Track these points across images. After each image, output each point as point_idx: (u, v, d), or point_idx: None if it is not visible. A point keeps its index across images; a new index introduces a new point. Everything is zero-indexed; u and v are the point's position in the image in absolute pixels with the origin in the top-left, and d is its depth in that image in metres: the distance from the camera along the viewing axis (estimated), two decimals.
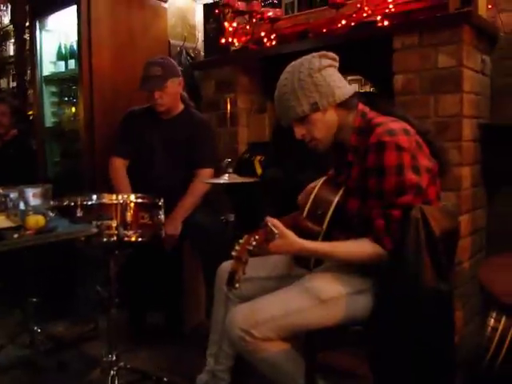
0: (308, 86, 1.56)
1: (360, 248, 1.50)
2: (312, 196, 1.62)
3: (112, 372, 1.96)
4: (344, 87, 1.60)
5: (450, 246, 1.51)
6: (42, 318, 2.48)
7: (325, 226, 1.55)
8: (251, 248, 1.37)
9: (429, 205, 1.49)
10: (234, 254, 1.39)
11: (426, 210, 1.43)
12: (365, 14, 2.42)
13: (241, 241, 1.41)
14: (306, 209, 1.60)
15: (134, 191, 2.50)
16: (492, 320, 1.55)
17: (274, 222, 1.44)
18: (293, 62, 1.64)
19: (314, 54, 1.62)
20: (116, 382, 1.95)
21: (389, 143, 1.45)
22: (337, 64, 1.64)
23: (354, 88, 1.63)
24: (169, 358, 2.39)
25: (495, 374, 1.49)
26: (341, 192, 1.60)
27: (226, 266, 1.83)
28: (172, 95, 2.61)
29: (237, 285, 1.36)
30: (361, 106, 1.62)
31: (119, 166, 2.68)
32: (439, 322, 1.45)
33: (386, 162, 1.45)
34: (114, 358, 1.98)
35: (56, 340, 2.48)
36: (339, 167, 1.71)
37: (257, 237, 1.39)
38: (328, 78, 1.57)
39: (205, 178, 2.51)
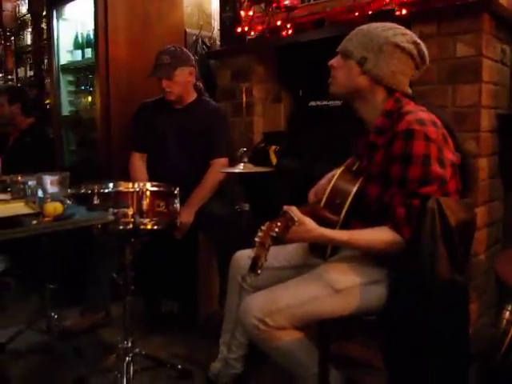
0: (375, 44, 1.54)
1: (378, 236, 1.49)
2: (330, 185, 1.61)
3: (127, 358, 1.98)
4: (397, 79, 1.56)
5: (465, 238, 1.50)
6: (58, 304, 2.52)
7: (342, 216, 1.54)
8: (274, 234, 1.37)
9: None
10: (257, 239, 1.38)
11: (442, 200, 1.42)
12: (382, 3, 2.39)
13: (263, 227, 1.41)
14: (324, 198, 1.60)
15: (150, 181, 2.53)
16: (507, 313, 1.54)
17: (292, 210, 1.45)
18: (397, 25, 1.60)
19: (415, 37, 1.57)
20: (131, 368, 1.97)
21: (418, 132, 1.43)
22: (419, 62, 1.58)
23: (406, 91, 1.59)
24: (183, 345, 2.41)
25: (510, 367, 1.48)
26: (359, 182, 1.59)
27: (240, 255, 1.85)
28: (181, 84, 2.61)
29: (259, 271, 1.35)
30: (398, 94, 1.59)
31: (135, 160, 2.72)
32: (454, 313, 1.44)
33: (413, 150, 1.43)
34: (130, 344, 2.01)
35: (69, 328, 2.51)
36: (362, 151, 1.70)
37: (279, 223, 1.39)
38: (393, 59, 1.54)
39: (220, 168, 2.52)
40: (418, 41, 1.58)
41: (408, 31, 1.59)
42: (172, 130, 2.65)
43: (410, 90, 1.61)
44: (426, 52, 1.59)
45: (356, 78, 1.58)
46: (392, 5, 2.35)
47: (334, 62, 1.64)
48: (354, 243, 1.51)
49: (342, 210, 1.55)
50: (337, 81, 1.63)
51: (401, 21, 2.28)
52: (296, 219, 1.42)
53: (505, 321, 1.53)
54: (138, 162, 2.71)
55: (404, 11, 2.30)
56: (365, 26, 1.61)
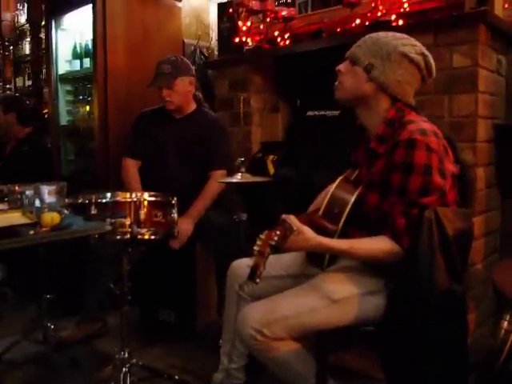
0: (383, 52, 1.55)
1: (377, 245, 1.49)
2: (329, 194, 1.61)
3: (124, 369, 1.98)
4: (402, 89, 1.57)
5: (463, 247, 1.50)
6: (55, 314, 2.51)
7: (340, 225, 1.54)
8: (273, 243, 1.37)
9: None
10: (256, 248, 1.38)
11: (439, 210, 1.42)
12: (379, 14, 2.40)
13: (262, 236, 1.41)
14: (323, 207, 1.60)
15: (147, 190, 2.53)
16: (506, 323, 1.54)
17: (291, 218, 1.45)
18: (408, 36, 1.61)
19: (424, 49, 1.58)
20: (128, 378, 1.96)
21: (420, 142, 1.44)
22: (425, 73, 1.59)
23: (409, 101, 1.59)
24: (180, 355, 2.40)
25: (508, 377, 1.48)
26: (358, 191, 1.59)
27: (238, 264, 1.85)
28: (181, 93, 2.61)
29: (258, 280, 1.35)
30: (400, 103, 1.59)
31: (130, 166, 2.72)
32: (452, 323, 1.44)
33: (415, 160, 1.44)
34: (127, 355, 2.00)
35: (65, 339, 2.50)
36: (360, 158, 1.70)
37: (278, 232, 1.39)
38: (400, 68, 1.55)
39: (219, 180, 2.52)
40: (427, 53, 1.58)
41: (417, 43, 1.59)
42: (171, 139, 2.65)
43: (413, 101, 1.62)
44: (434, 64, 1.60)
45: (362, 85, 1.59)
46: (389, 16, 2.37)
47: (341, 67, 1.65)
48: (354, 252, 1.51)
49: (341, 219, 1.55)
50: (343, 86, 1.63)
51: (397, 31, 2.31)
52: (295, 228, 1.42)
53: (503, 330, 1.53)
54: (133, 169, 2.72)
55: (401, 22, 2.32)
56: (374, 34, 1.62)
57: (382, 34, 1.61)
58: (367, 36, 1.63)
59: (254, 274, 1.35)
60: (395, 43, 1.56)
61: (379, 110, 1.60)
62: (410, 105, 1.60)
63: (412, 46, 1.57)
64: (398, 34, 1.61)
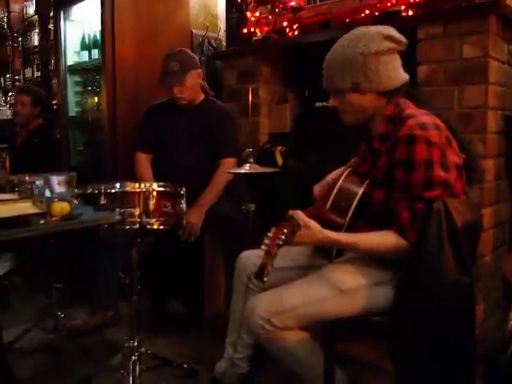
0: (357, 65, 1.52)
1: (383, 240, 1.49)
2: (336, 187, 1.61)
3: (133, 357, 1.99)
4: (394, 77, 1.55)
5: (472, 239, 1.50)
6: (65, 303, 2.53)
7: (348, 218, 1.54)
8: (281, 243, 1.38)
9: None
10: (264, 248, 1.39)
11: (448, 202, 1.42)
12: (389, 4, 2.39)
13: (269, 234, 1.41)
14: (330, 200, 1.60)
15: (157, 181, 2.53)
16: None
17: (298, 214, 1.45)
18: (356, 30, 1.57)
19: (382, 30, 1.54)
20: (137, 367, 1.98)
21: (420, 137, 1.43)
22: (401, 47, 1.57)
23: (404, 78, 1.58)
24: (189, 345, 2.42)
25: None
26: (365, 184, 1.59)
27: (246, 255, 1.86)
28: (192, 88, 2.62)
29: (265, 278, 1.37)
30: (396, 98, 1.58)
31: (143, 160, 2.73)
32: (460, 315, 1.44)
33: (415, 155, 1.43)
34: (136, 343, 2.02)
35: (78, 326, 2.53)
36: (364, 155, 1.70)
37: (285, 230, 1.39)
38: (381, 65, 1.52)
39: (228, 168, 2.52)
40: (388, 33, 1.54)
41: (372, 30, 1.55)
42: (180, 130, 2.65)
43: (406, 76, 1.59)
44: (399, 34, 1.56)
45: (363, 102, 1.57)
46: (398, 6, 2.35)
47: (333, 103, 1.62)
48: (360, 246, 1.51)
49: (348, 212, 1.55)
50: (349, 113, 1.61)
51: (407, 22, 2.30)
52: (302, 224, 1.43)
53: (511, 322, 1.53)
54: (146, 163, 2.73)
55: (410, 12, 2.30)
56: (335, 54, 1.58)
57: (337, 48, 1.57)
58: (329, 59, 1.59)
59: (261, 273, 1.37)
60: (360, 50, 1.52)
61: (379, 110, 1.59)
62: (406, 85, 1.58)
63: (372, 39, 1.53)
64: (351, 36, 1.56)
